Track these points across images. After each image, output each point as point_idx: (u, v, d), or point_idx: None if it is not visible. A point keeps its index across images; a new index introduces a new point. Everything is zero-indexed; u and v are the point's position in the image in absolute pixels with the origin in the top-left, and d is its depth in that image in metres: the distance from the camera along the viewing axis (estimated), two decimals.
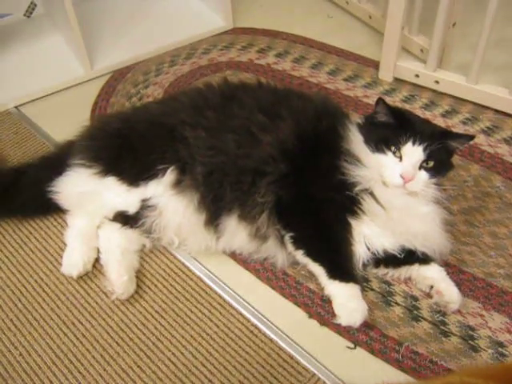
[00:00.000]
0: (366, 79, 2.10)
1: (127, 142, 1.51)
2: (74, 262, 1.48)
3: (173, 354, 1.35)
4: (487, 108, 1.94)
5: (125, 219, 1.50)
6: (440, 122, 1.88)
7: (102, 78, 2.16)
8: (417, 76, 2.02)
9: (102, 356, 1.35)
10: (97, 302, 1.45)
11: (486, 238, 1.57)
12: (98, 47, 2.24)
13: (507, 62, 2.06)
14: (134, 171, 1.48)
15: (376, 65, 2.12)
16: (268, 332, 1.38)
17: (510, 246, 1.55)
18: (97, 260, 1.51)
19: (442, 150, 1.42)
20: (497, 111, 1.93)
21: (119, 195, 1.49)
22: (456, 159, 1.69)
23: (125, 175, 1.49)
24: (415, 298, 1.44)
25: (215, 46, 2.27)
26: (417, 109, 1.95)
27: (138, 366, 1.33)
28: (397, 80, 2.08)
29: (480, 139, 1.85)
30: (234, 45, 2.28)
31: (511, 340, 1.35)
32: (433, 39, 1.92)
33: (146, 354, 1.35)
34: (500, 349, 1.34)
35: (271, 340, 1.37)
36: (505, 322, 1.39)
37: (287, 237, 1.43)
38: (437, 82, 1.99)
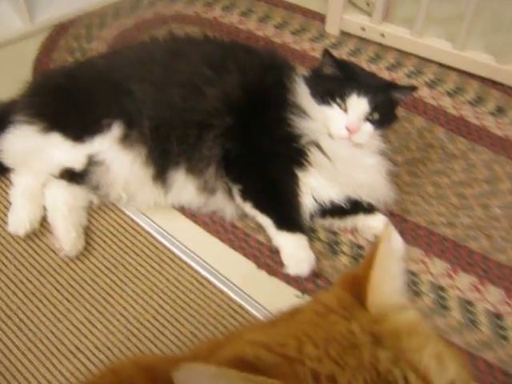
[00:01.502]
0: (312, 33, 2.09)
1: (71, 97, 1.48)
2: (20, 220, 1.45)
3: (124, 308, 1.36)
4: (431, 61, 1.97)
5: (71, 176, 1.47)
6: (385, 75, 1.90)
7: (42, 32, 2.07)
8: (363, 29, 2.03)
9: (52, 313, 1.34)
10: (45, 260, 1.43)
11: (429, 187, 1.62)
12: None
13: (451, 14, 2.07)
14: (79, 127, 1.46)
15: (323, 18, 2.12)
16: (218, 284, 1.40)
17: (452, 195, 1.60)
18: (44, 218, 1.49)
19: (387, 102, 1.44)
20: (440, 64, 1.96)
21: (64, 152, 1.46)
22: (400, 112, 1.72)
23: (69, 131, 1.46)
24: (361, 247, 1.48)
25: None
26: (363, 62, 1.96)
27: (90, 322, 1.33)
28: (343, 33, 2.08)
29: (424, 92, 1.88)
30: None
31: (452, 284, 1.42)
32: None
33: (96, 309, 1.35)
34: (441, 293, 1.40)
35: (221, 291, 1.39)
36: (446, 268, 1.45)
37: (235, 189, 1.45)
38: (382, 35, 2.00)
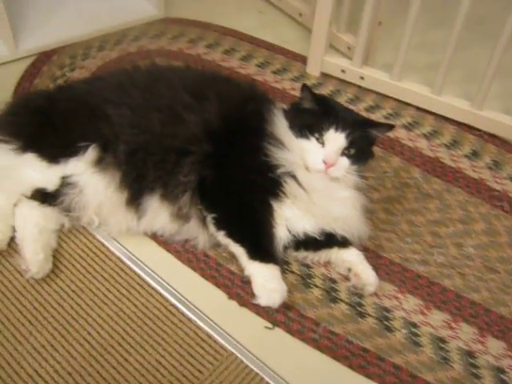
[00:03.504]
0: (293, 73, 2.13)
1: (49, 118, 1.47)
2: None
3: (88, 333, 1.32)
4: (409, 105, 2.01)
5: (43, 197, 1.45)
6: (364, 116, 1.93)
7: (26, 59, 2.09)
8: (343, 71, 2.07)
9: (13, 335, 1.30)
10: (10, 281, 1.39)
11: (404, 225, 1.62)
12: (24, 27, 2.16)
13: (429, 63, 2.13)
14: (55, 148, 1.44)
15: (304, 60, 2.16)
16: (186, 311, 1.37)
17: (426, 234, 1.60)
18: (12, 238, 1.46)
19: (364, 138, 1.45)
20: (418, 108, 2.00)
21: (38, 172, 1.44)
22: (377, 151, 1.75)
23: (45, 152, 1.45)
24: (333, 281, 1.46)
25: (145, 34, 2.25)
26: (342, 103, 1.98)
27: (52, 345, 1.29)
28: (324, 75, 2.12)
29: (401, 133, 1.91)
30: (164, 34, 2.26)
31: (424, 321, 1.40)
32: (359, 35, 1.97)
33: (60, 333, 1.31)
34: (413, 329, 1.38)
35: (189, 319, 1.36)
36: (418, 305, 1.43)
37: (209, 218, 1.43)
38: (362, 77, 2.04)
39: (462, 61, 2.04)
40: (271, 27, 2.39)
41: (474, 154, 1.85)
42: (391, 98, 2.03)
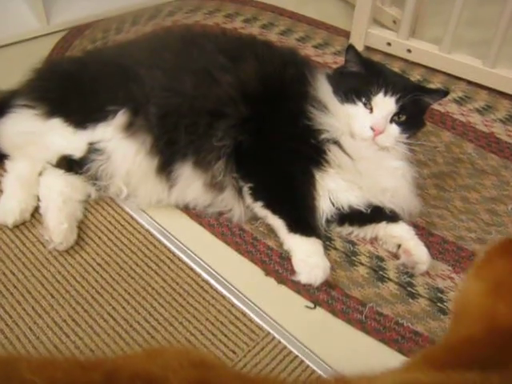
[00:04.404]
0: (336, 47, 2.01)
1: (77, 82, 1.39)
2: (9, 208, 1.34)
3: (113, 308, 1.21)
4: (460, 79, 1.87)
5: (69, 164, 1.36)
6: None
7: (58, 33, 2.01)
8: (388, 44, 1.94)
9: (33, 308, 1.20)
10: (32, 253, 1.30)
11: (457, 202, 1.48)
12: (55, 1, 2.10)
13: (480, 38, 1.99)
14: (82, 112, 1.35)
15: (347, 35, 2.04)
16: (220, 288, 1.26)
17: (482, 211, 1.46)
18: (36, 209, 1.37)
19: (415, 104, 1.33)
20: (469, 82, 1.86)
21: (65, 138, 1.35)
22: (427, 126, 1.60)
23: (72, 117, 1.36)
24: (381, 259, 1.33)
25: (181, 9, 2.16)
26: None
27: (73, 320, 1.19)
28: (368, 49, 1.99)
29: (452, 108, 1.77)
30: (200, 9, 2.17)
31: None
32: (406, 6, 1.84)
33: (83, 307, 1.21)
34: None
35: (223, 296, 1.24)
36: None
37: (246, 188, 1.32)
38: (409, 50, 1.91)
39: None
40: (312, 3, 2.27)
41: None
42: (440, 72, 1.89)
